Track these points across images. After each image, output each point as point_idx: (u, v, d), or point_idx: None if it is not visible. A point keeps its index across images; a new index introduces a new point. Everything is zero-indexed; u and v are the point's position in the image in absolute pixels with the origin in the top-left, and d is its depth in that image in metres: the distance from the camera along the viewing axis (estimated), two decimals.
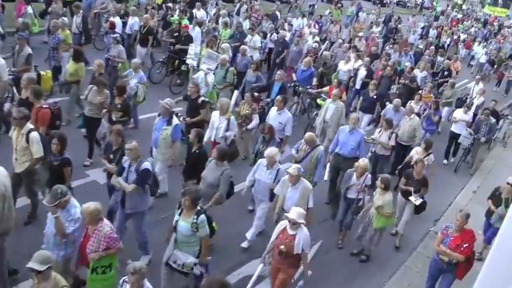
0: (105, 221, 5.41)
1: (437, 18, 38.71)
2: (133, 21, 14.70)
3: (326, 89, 12.80)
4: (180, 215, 5.90)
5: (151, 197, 7.13)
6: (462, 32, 30.20)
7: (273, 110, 9.70)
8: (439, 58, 19.27)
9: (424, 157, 9.55)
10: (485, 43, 27.42)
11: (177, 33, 14.71)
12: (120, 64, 11.49)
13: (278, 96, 9.83)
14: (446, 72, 17.78)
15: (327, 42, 17.93)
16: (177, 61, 14.08)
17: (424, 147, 9.74)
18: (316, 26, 20.82)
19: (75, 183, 8.25)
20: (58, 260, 5.52)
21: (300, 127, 11.77)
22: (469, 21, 40.30)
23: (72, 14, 14.46)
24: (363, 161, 8.03)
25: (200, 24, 16.12)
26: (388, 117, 11.00)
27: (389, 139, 10.16)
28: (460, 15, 44.19)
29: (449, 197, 11.38)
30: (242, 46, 14.14)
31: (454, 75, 19.09)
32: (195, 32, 15.24)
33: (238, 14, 20.51)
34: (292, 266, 6.17)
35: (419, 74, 16.13)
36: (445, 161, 13.16)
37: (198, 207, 5.89)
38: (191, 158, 7.79)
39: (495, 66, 23.34)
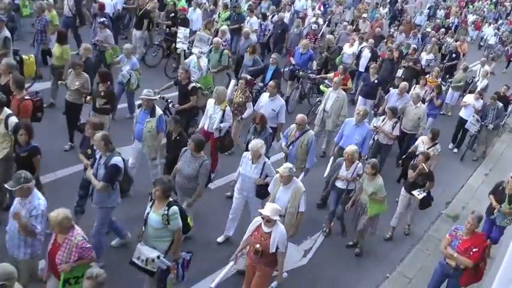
0: (77, 229, 4.93)
1: None
2: (116, 0, 14.02)
3: (330, 75, 12.14)
4: (151, 207, 5.52)
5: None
6: (471, 13, 29.19)
7: (265, 96, 9.15)
8: (448, 39, 18.53)
9: (430, 147, 9.07)
10: (495, 24, 26.45)
11: (173, 15, 14.16)
12: (110, 49, 10.96)
13: (271, 82, 9.28)
14: (454, 55, 17.08)
15: (326, 23, 17.12)
16: (173, 44, 13.57)
17: (431, 137, 9.18)
18: (322, 8, 20.13)
19: (64, 172, 8.08)
20: (25, 258, 5.17)
21: (299, 113, 11.10)
22: (480, 2, 39.10)
23: None
24: (350, 148, 7.52)
25: (199, 5, 15.62)
26: (392, 105, 10.48)
27: (393, 128, 9.64)
28: None
29: (461, 179, 11.19)
30: (245, 29, 13.61)
31: (461, 57, 18.49)
32: (196, 14, 14.78)
33: None
34: (268, 264, 5.74)
35: (425, 56, 15.61)
36: (450, 145, 12.66)
37: (171, 199, 5.53)
38: (171, 147, 7.39)
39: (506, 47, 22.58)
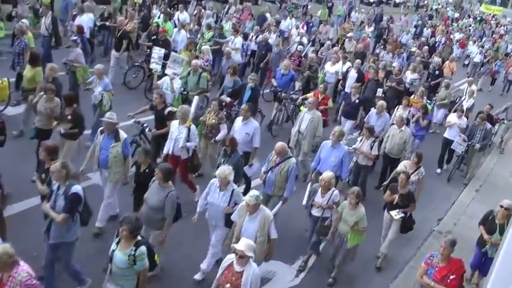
0: (22, 265, 4.53)
1: (432, 17, 37.90)
2: (88, 18, 13.70)
3: (311, 94, 11.84)
4: (117, 244, 5.14)
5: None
6: (457, 32, 29.34)
7: (239, 120, 8.83)
8: (435, 59, 18.36)
9: (414, 171, 8.77)
10: (480, 42, 26.56)
11: (154, 36, 13.93)
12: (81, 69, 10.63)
13: (243, 105, 8.96)
14: (437, 72, 16.96)
15: (310, 44, 16.95)
16: None
17: (416, 160, 8.84)
18: (305, 27, 20.05)
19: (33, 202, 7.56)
20: None
21: (283, 137, 10.78)
22: (465, 20, 39.57)
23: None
24: (327, 174, 7.19)
25: (184, 27, 15.43)
26: (369, 124, 10.26)
27: (371, 148, 9.36)
28: (457, 14, 43.52)
29: (452, 196, 11.11)
30: (227, 49, 13.38)
31: (450, 76, 18.37)
32: (181, 35, 14.60)
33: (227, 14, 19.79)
34: None
35: (409, 75, 15.36)
36: (438, 170, 12.33)
37: (139, 237, 5.14)
38: (140, 179, 6.97)
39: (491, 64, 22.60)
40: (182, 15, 16.75)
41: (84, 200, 5.83)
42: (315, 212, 7.34)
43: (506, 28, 42.94)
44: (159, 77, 11.13)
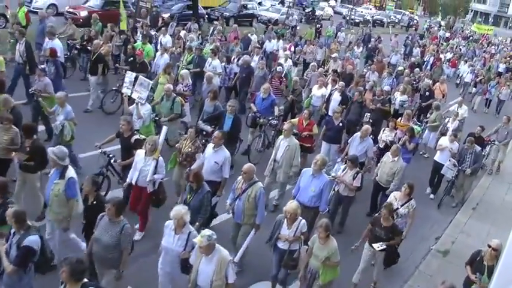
0: None
1: (422, 37, 37.82)
2: (59, 42, 12.98)
3: (295, 120, 11.27)
4: None
5: None
6: (448, 51, 29.08)
7: (209, 147, 8.26)
8: (426, 81, 17.88)
9: (405, 203, 8.22)
10: (471, 61, 26.22)
11: (131, 59, 13.47)
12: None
13: (217, 132, 8.36)
14: (427, 93, 16.42)
15: (285, 64, 16.16)
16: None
17: (407, 192, 8.24)
18: (292, 48, 19.63)
19: None
20: None
21: (264, 165, 10.04)
22: (455, 39, 39.48)
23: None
24: (291, 204, 6.59)
25: (166, 50, 15.00)
26: (354, 149, 9.83)
27: (354, 179, 8.78)
28: (447, 34, 43.52)
29: (448, 214, 11.03)
30: (207, 73, 12.86)
31: (441, 98, 17.91)
32: (163, 59, 14.13)
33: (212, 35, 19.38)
34: None
35: (399, 97, 14.85)
36: (428, 190, 11.88)
37: (85, 280, 4.58)
38: (88, 213, 6.36)
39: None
40: (165, 39, 16.28)
41: (42, 249, 5.31)
42: (282, 245, 6.74)
43: (497, 47, 42.95)
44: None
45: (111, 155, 8.46)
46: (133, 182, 7.63)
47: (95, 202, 6.30)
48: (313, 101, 13.76)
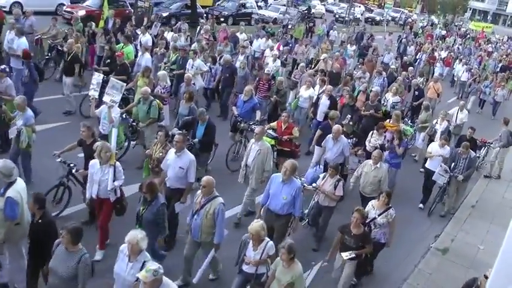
0: None
1: (416, 35, 37.17)
2: (19, 42, 12.15)
3: (274, 124, 10.63)
4: None
5: None
6: (443, 49, 28.39)
7: (171, 153, 7.63)
8: (419, 79, 17.23)
9: (383, 212, 7.59)
10: (465, 60, 25.44)
11: (109, 61, 12.88)
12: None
13: (177, 135, 7.67)
14: (417, 93, 15.83)
15: (273, 64, 15.59)
16: None
17: (385, 200, 7.61)
18: (281, 48, 18.92)
19: None
20: None
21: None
22: (452, 38, 38.80)
23: None
24: (254, 225, 5.91)
25: (147, 49, 14.38)
26: (329, 151, 9.44)
27: (335, 188, 8.17)
28: (444, 32, 42.84)
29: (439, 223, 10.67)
30: (186, 74, 12.23)
31: (435, 97, 17.29)
32: (144, 59, 13.57)
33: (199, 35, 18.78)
34: None
35: (391, 98, 14.19)
36: (420, 205, 11.17)
37: None
38: (32, 232, 5.76)
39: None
40: (144, 38, 15.68)
41: None
42: (247, 269, 6.11)
43: (496, 45, 42.27)
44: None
45: (72, 164, 7.85)
46: (94, 196, 7.03)
47: (40, 220, 5.68)
48: (300, 102, 13.17)
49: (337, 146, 9.63)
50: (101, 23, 15.42)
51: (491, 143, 13.90)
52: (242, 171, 8.80)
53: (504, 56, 32.06)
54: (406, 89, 16.70)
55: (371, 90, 14.18)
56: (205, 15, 26.00)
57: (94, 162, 7.04)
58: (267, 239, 5.99)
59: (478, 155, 12.78)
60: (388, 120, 12.17)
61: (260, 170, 8.51)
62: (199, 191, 6.60)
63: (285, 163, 7.40)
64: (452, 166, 10.57)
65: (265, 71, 13.61)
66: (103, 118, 8.85)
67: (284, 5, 35.79)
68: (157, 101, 10.34)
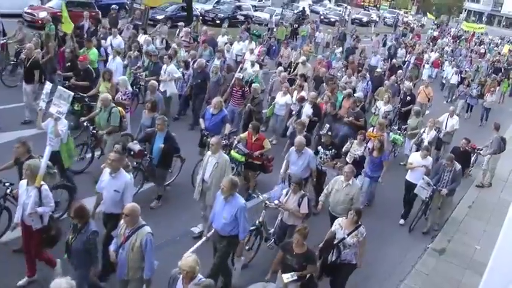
0: None
1: (405, 35, 36.49)
2: None
3: (244, 135, 9.80)
4: None
5: None
6: (433, 51, 27.65)
7: (105, 173, 6.83)
8: (406, 83, 16.41)
9: (352, 232, 6.88)
10: (454, 62, 24.55)
11: (69, 64, 12.21)
12: None
13: (112, 153, 6.84)
14: (408, 98, 14.99)
15: (251, 69, 14.80)
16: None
17: (354, 219, 6.89)
18: (260, 50, 18.01)
19: None
20: None
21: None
22: (445, 39, 38.07)
23: None
24: (186, 259, 5.02)
25: (119, 53, 13.59)
26: (293, 165, 8.75)
27: (299, 205, 7.43)
28: (436, 33, 42.13)
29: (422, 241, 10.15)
30: (151, 81, 11.43)
31: (426, 102, 16.52)
32: (115, 63, 12.85)
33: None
34: None
35: (383, 107, 13.37)
36: (401, 221, 10.38)
37: None
38: None
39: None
40: (116, 40, 14.89)
41: None
42: None
43: (489, 46, 41.55)
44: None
45: (7, 184, 7.04)
46: (19, 221, 6.28)
47: None
48: (276, 110, 12.38)
49: (301, 159, 8.85)
50: (66, 27, 14.48)
51: (481, 150, 13.18)
52: (198, 187, 8.00)
53: (497, 58, 31.29)
54: (396, 94, 15.96)
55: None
56: (200, 17, 26.03)
57: (22, 182, 6.32)
58: (200, 276, 5.12)
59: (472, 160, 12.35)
60: (371, 129, 11.44)
61: (218, 186, 7.62)
62: (121, 221, 5.78)
63: (224, 180, 6.61)
64: (435, 179, 9.80)
65: (236, 75, 12.71)
66: (49, 132, 8.03)
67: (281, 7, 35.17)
68: (119, 108, 9.61)
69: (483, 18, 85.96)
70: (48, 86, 9.13)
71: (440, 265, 8.98)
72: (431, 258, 9.16)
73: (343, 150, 10.01)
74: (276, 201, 7.65)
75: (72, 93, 8.40)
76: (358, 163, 9.78)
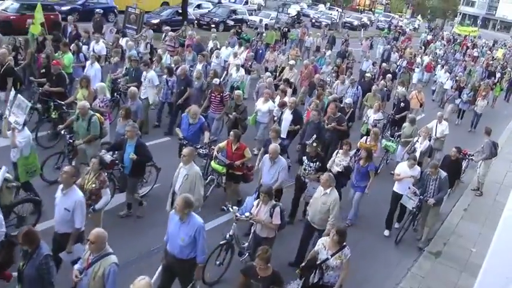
0: None
1: (397, 39, 36.18)
2: None
3: (223, 144, 9.35)
4: None
5: None
6: (426, 54, 27.28)
7: (58, 191, 6.36)
8: (399, 89, 15.94)
9: (335, 253, 6.44)
10: (446, 66, 24.05)
11: (44, 70, 11.77)
12: None
13: (66, 167, 6.39)
14: (402, 104, 14.48)
15: (236, 74, 14.47)
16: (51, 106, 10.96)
17: (338, 239, 6.41)
18: (248, 55, 17.61)
19: None
20: None
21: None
22: (438, 42, 37.73)
23: None
24: (139, 283, 4.64)
25: (98, 59, 13.18)
26: (265, 174, 8.31)
27: (271, 216, 6.99)
28: (429, 37, 41.83)
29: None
30: (130, 88, 11.02)
31: (418, 108, 16.11)
32: (94, 69, 12.43)
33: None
34: None
35: (372, 115, 12.96)
36: (386, 232, 9.95)
37: None
38: None
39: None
40: (98, 46, 14.45)
41: None
42: None
43: (482, 49, 41.23)
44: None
45: None
46: None
47: None
48: (258, 117, 11.92)
49: (274, 168, 8.40)
50: (34, 29, 13.95)
51: (473, 155, 12.80)
52: (169, 199, 7.60)
53: (491, 61, 30.92)
54: (385, 99, 15.53)
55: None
56: (195, 21, 26.00)
57: None
58: None
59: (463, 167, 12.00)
60: (364, 139, 11.04)
61: None
62: (86, 246, 5.32)
63: (178, 198, 6.08)
64: (421, 189, 9.41)
65: (214, 81, 12.22)
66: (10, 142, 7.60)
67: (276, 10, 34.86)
68: (98, 115, 9.23)
69: (478, 22, 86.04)
70: (14, 93, 8.75)
71: (436, 268, 9.01)
72: (427, 261, 9.19)
73: (327, 166, 9.52)
74: (247, 214, 7.20)
75: (30, 104, 8.03)
76: (344, 175, 9.40)
